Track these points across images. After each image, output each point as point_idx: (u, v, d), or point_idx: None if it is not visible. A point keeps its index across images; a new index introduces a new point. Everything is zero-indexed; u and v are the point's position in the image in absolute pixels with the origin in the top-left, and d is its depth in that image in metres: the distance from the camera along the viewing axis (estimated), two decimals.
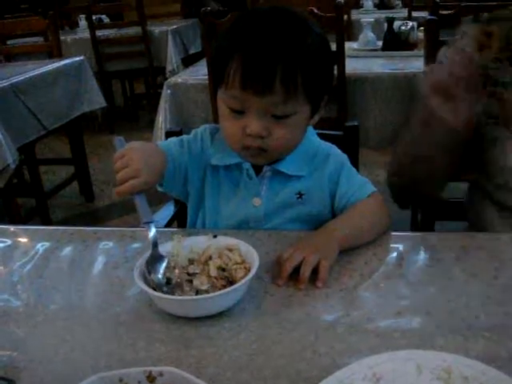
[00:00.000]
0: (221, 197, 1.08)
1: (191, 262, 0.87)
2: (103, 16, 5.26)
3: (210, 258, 0.87)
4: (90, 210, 3.64)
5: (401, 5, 5.12)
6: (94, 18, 4.79)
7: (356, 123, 1.44)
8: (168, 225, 1.40)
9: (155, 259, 0.86)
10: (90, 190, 3.75)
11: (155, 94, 5.02)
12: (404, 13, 4.57)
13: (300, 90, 0.95)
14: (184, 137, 1.12)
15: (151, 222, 0.89)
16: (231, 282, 0.84)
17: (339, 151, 1.11)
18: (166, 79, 4.65)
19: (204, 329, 0.78)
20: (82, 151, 3.66)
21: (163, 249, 0.89)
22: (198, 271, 0.84)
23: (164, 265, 0.86)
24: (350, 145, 1.38)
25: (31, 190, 3.24)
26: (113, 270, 0.96)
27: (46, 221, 3.15)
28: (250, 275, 0.81)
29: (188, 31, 5.21)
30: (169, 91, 2.64)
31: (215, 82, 1.01)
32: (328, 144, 1.12)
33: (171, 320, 0.81)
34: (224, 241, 0.91)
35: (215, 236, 0.92)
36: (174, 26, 4.98)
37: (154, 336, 0.78)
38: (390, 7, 5.06)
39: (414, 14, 4.43)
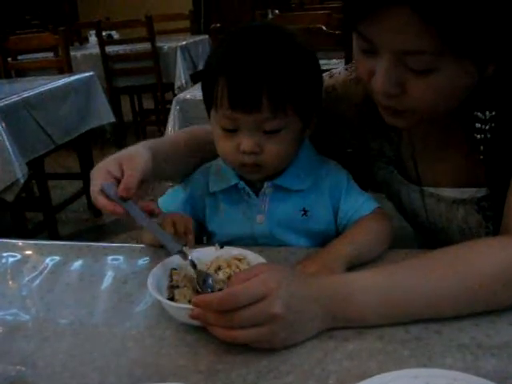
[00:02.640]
0: (224, 221, 1.09)
1: (200, 272, 0.87)
2: (113, 32, 5.30)
3: (219, 268, 0.87)
4: (98, 225, 3.65)
5: None
6: (103, 33, 4.83)
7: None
8: None
9: (201, 276, 0.87)
10: None
11: (164, 110, 5.05)
12: None
13: (288, 105, 0.95)
14: (179, 187, 1.14)
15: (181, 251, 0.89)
16: None
17: (339, 166, 1.11)
18: (175, 95, 4.71)
19: (213, 346, 0.78)
20: (91, 166, 3.63)
21: (171, 262, 0.89)
22: None
23: (211, 279, 0.87)
24: (358, 161, 1.38)
25: (39, 204, 3.25)
26: (122, 285, 0.96)
27: (54, 235, 3.16)
28: None
29: (197, 47, 5.24)
30: (178, 107, 2.65)
31: (207, 103, 1.02)
32: (328, 159, 1.12)
33: (180, 336, 0.81)
34: (231, 251, 0.92)
35: (222, 246, 0.93)
36: (183, 42, 5.00)
37: (162, 352, 0.78)
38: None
39: None
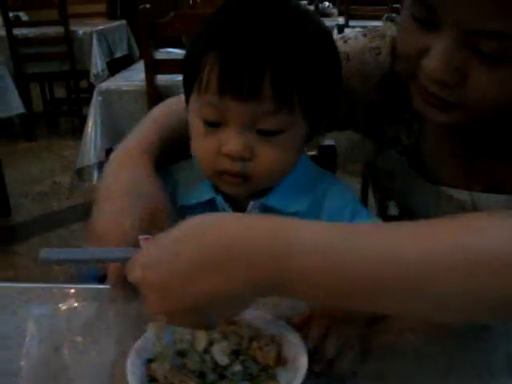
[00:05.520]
0: None
1: (182, 354, 0.62)
2: (21, 13, 4.88)
3: (211, 343, 0.62)
4: (7, 226, 3.29)
5: (336, 13, 5.02)
6: (10, 14, 4.43)
7: (333, 143, 1.24)
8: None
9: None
10: (7, 203, 3.40)
11: (78, 99, 4.79)
12: (338, 21, 4.48)
13: (296, 98, 0.73)
14: None
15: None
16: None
17: (344, 185, 0.90)
18: (91, 83, 4.42)
19: None
20: None
21: (143, 347, 0.63)
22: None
23: None
24: (326, 168, 1.19)
25: None
26: (53, 354, 0.69)
27: None
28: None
29: (114, 33, 4.94)
30: (100, 98, 2.37)
31: (187, 88, 0.79)
32: (331, 175, 0.92)
33: None
34: None
35: None
36: (100, 27, 4.68)
37: None
38: (326, 15, 4.94)
39: (352, 23, 4.33)
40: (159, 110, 0.96)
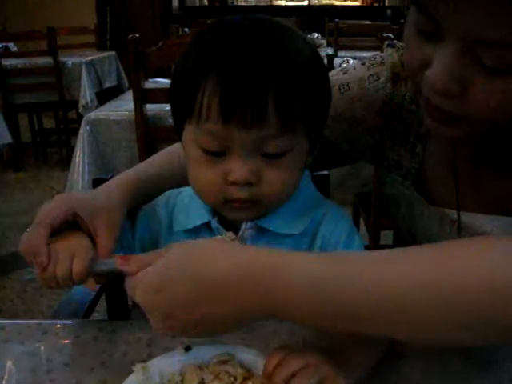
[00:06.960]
0: None
1: None
2: (10, 44, 4.88)
3: (202, 383, 0.58)
4: None
5: (325, 44, 5.05)
6: None
7: (326, 172, 1.22)
8: (88, 312, 0.99)
9: None
10: None
11: (66, 130, 4.74)
12: (328, 51, 4.50)
13: (299, 120, 0.72)
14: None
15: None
16: None
17: (342, 212, 0.87)
18: (79, 114, 4.40)
19: None
20: None
21: None
22: None
23: None
24: None
25: None
26: None
27: None
28: None
29: (103, 64, 4.94)
30: (88, 128, 2.34)
31: (179, 118, 0.76)
32: (330, 201, 0.90)
33: None
34: (205, 353, 0.63)
35: (188, 348, 0.64)
36: (89, 58, 4.67)
37: None
38: (315, 46, 4.96)
39: (341, 53, 4.36)
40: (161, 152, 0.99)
